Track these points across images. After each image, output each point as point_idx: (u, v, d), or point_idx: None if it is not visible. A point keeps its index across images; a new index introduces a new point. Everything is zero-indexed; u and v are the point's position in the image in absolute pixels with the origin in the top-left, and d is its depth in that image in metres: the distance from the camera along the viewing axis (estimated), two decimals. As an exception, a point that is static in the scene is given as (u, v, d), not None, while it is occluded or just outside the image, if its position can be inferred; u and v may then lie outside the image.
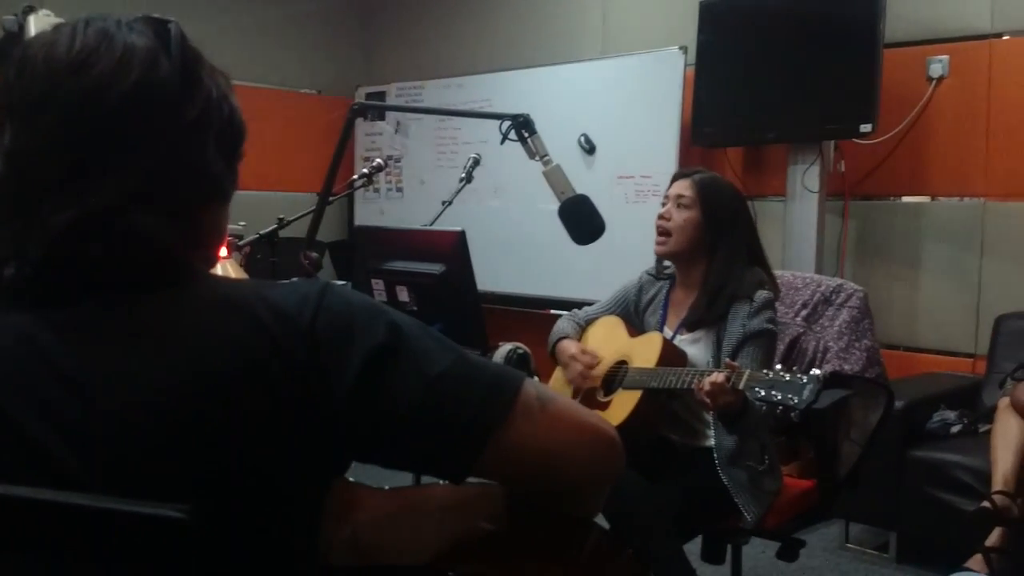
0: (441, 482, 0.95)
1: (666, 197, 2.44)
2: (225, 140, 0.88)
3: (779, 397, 1.95)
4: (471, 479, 0.89)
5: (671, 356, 2.31)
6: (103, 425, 0.78)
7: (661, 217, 2.41)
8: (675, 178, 2.48)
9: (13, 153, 0.82)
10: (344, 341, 0.83)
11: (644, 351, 2.36)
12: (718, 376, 2.06)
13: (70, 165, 0.81)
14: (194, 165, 0.85)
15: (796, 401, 1.92)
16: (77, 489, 0.76)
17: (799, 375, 1.95)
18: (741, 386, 2.02)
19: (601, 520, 1.92)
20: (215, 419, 0.79)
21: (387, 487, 1.07)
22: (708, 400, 2.07)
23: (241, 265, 2.72)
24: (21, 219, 0.81)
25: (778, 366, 2.02)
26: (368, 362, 0.82)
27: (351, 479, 1.02)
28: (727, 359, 2.18)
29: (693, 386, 2.12)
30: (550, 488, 0.91)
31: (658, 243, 2.42)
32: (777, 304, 2.39)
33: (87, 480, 0.77)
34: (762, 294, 2.31)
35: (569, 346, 2.52)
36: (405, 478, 2.32)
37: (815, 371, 1.96)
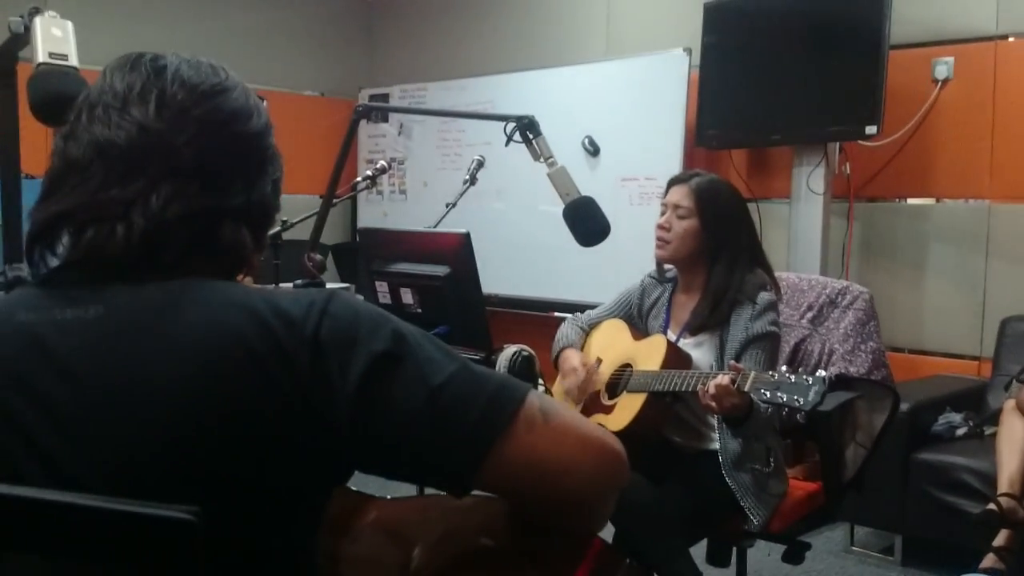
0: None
1: (664, 205, 2.43)
2: (277, 185, 1.02)
3: (785, 399, 1.94)
4: (474, 492, 0.89)
5: (676, 359, 2.30)
6: (106, 427, 0.79)
7: (660, 227, 2.40)
8: (671, 183, 2.45)
9: (148, 129, 0.89)
10: (347, 348, 0.83)
11: (648, 354, 2.35)
12: (723, 379, 2.05)
13: (194, 165, 0.90)
14: (268, 199, 0.99)
15: (802, 403, 1.92)
16: (79, 490, 0.76)
17: (804, 376, 1.94)
18: (747, 388, 2.01)
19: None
20: (216, 419, 0.80)
21: (388, 496, 1.06)
22: (714, 403, 2.06)
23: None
24: (126, 188, 0.87)
25: (783, 367, 2.01)
26: (370, 368, 0.82)
27: (352, 488, 1.01)
28: (731, 361, 2.18)
29: (698, 389, 2.11)
30: (553, 502, 0.89)
31: (658, 247, 2.42)
32: (782, 306, 2.38)
33: (89, 482, 0.78)
34: (764, 296, 2.30)
35: (572, 357, 2.51)
36: (408, 488, 2.31)
37: (820, 372, 1.95)
